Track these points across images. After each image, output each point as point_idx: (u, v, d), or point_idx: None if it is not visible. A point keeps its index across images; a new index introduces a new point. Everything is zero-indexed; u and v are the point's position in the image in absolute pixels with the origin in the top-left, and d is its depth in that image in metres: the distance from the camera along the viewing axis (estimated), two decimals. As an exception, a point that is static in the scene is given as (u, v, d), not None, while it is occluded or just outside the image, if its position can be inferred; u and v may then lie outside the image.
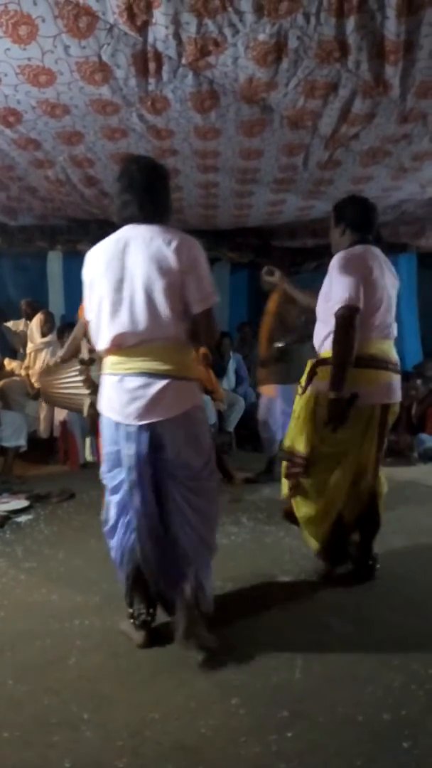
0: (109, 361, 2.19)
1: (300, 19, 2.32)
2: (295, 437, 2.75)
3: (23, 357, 5.76)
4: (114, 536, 2.26)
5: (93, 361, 3.55)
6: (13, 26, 2.33)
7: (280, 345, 4.26)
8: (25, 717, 1.86)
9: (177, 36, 2.42)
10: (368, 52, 2.54)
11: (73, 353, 3.92)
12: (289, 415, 4.55)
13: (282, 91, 2.88)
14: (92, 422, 4.46)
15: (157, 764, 1.64)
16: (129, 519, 2.19)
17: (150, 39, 2.44)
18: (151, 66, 2.64)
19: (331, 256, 2.69)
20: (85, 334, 4.00)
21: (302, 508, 2.77)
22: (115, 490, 2.23)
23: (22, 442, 4.87)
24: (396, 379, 2.67)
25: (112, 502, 2.25)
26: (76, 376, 3.56)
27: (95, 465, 4.37)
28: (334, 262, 2.60)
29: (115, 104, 3.01)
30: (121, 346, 2.11)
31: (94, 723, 1.82)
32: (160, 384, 2.07)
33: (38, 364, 5.49)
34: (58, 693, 1.97)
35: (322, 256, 2.85)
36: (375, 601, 2.59)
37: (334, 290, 2.55)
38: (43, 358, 5.51)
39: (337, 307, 2.51)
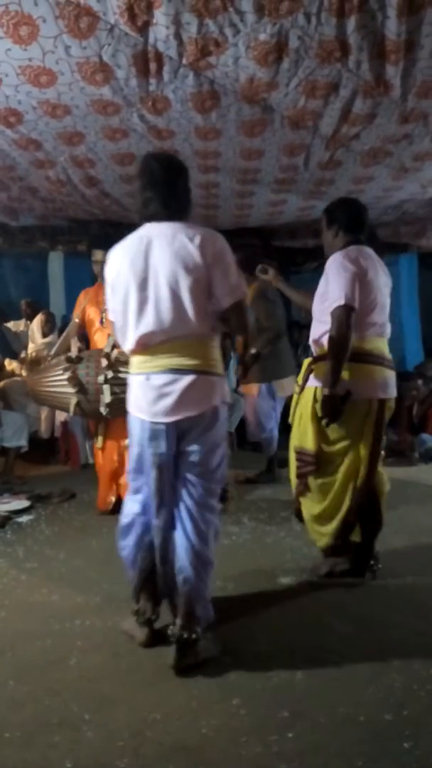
0: (136, 360, 2.18)
1: (301, 19, 2.32)
2: (301, 436, 2.79)
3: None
4: (130, 534, 2.25)
5: (80, 359, 3.54)
6: (14, 27, 2.33)
7: (253, 352, 4.26)
8: (26, 717, 1.85)
9: (178, 36, 2.42)
10: (369, 52, 2.54)
11: (64, 350, 3.90)
12: (275, 410, 4.60)
13: (283, 91, 2.88)
14: (89, 425, 4.44)
15: (159, 764, 1.64)
16: (148, 519, 2.19)
17: (151, 39, 2.44)
18: (152, 66, 2.64)
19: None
20: (79, 334, 4.01)
21: (309, 508, 2.81)
22: (137, 490, 2.23)
23: (23, 442, 4.87)
24: (391, 376, 2.74)
25: (133, 501, 2.24)
26: (62, 374, 3.53)
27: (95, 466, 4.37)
28: (331, 263, 2.67)
29: (115, 104, 3.02)
30: (147, 344, 2.11)
31: (95, 723, 1.82)
32: (187, 380, 2.07)
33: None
34: (59, 693, 1.97)
35: (323, 256, 2.87)
36: (376, 601, 2.59)
37: (331, 290, 2.60)
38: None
39: (333, 306, 2.57)
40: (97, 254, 3.81)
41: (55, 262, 6.53)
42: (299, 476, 2.80)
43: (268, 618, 2.46)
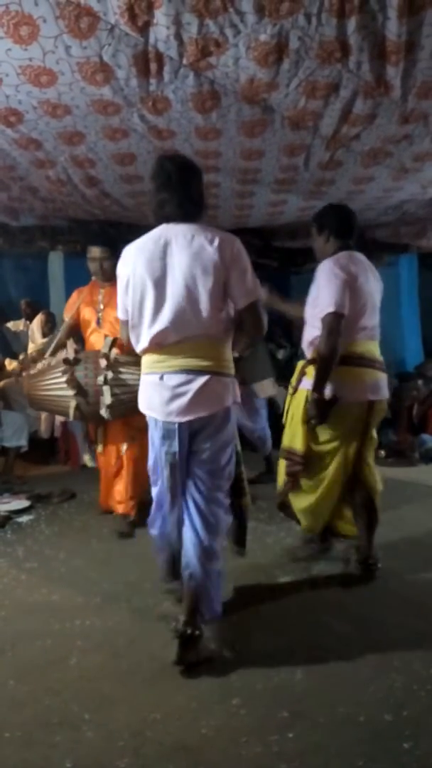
0: (148, 360, 2.20)
1: (301, 20, 2.32)
2: (292, 437, 2.88)
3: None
4: (155, 524, 2.35)
5: (78, 361, 3.44)
6: (14, 27, 2.33)
7: (235, 356, 4.26)
8: (26, 717, 1.86)
9: (178, 36, 2.42)
10: (369, 52, 2.54)
11: (58, 348, 3.76)
12: (263, 408, 4.59)
13: (283, 92, 2.88)
14: (88, 429, 4.38)
15: (159, 764, 1.65)
16: (164, 512, 2.27)
17: (151, 39, 2.44)
18: (153, 66, 2.64)
19: None
20: (73, 334, 3.87)
21: (299, 502, 2.93)
22: (154, 482, 2.31)
23: (23, 442, 4.87)
24: (383, 378, 2.83)
25: (154, 495, 2.33)
26: (60, 377, 3.43)
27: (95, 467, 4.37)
28: (321, 270, 2.74)
29: (116, 104, 3.02)
30: (161, 344, 2.13)
31: (95, 723, 1.82)
32: (202, 380, 2.10)
33: (39, 365, 5.47)
34: (59, 693, 1.98)
35: (322, 257, 2.92)
36: (375, 601, 2.59)
37: (321, 297, 2.69)
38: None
39: (324, 313, 2.65)
40: (94, 251, 3.60)
41: (55, 262, 6.53)
42: (288, 475, 2.90)
43: (267, 618, 2.46)
